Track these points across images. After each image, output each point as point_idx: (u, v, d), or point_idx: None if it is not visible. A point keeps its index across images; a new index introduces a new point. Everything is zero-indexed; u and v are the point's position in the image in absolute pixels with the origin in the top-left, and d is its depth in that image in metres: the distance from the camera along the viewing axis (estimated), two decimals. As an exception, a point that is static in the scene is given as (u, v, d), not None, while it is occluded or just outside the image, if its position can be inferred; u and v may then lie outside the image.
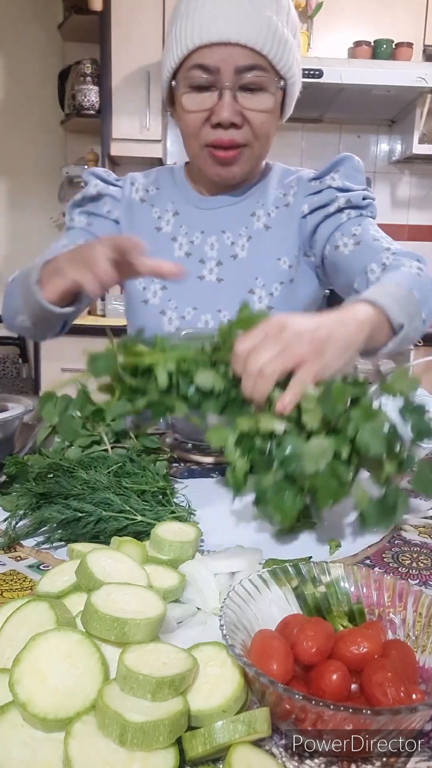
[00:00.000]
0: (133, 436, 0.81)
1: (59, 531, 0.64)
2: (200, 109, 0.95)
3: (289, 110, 1.05)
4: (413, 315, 0.82)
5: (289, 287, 1.07)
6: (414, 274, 0.89)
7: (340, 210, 1.04)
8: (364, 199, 1.04)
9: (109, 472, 0.68)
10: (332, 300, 1.05)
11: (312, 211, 1.07)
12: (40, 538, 0.65)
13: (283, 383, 0.64)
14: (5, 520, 0.67)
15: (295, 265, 1.08)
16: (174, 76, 0.97)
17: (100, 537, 0.63)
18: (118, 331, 0.83)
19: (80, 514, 0.63)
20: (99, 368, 0.76)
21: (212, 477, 0.86)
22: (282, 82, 0.96)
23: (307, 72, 2.53)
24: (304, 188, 1.09)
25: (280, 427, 0.63)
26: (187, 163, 1.16)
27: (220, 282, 1.09)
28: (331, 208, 1.04)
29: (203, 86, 0.94)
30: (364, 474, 0.65)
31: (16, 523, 0.66)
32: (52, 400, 0.81)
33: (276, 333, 0.66)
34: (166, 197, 1.13)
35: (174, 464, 0.90)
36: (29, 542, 0.65)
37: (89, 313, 2.91)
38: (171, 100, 1.03)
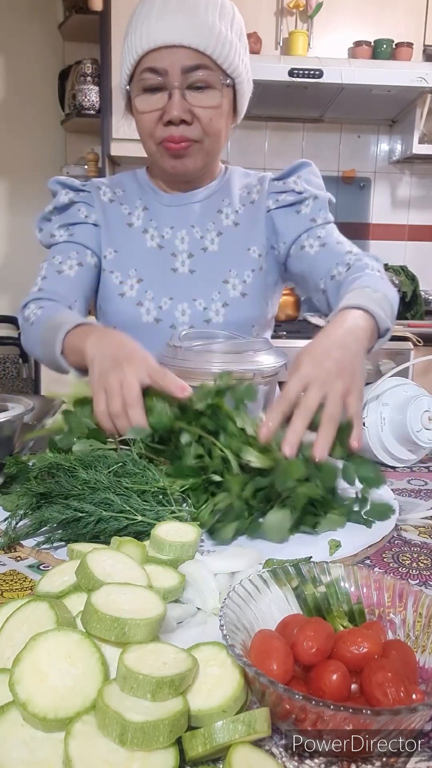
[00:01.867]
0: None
1: (59, 531, 0.64)
2: (153, 109, 1.02)
3: (243, 110, 1.12)
4: (392, 317, 0.94)
5: (260, 274, 1.15)
6: (378, 278, 1.00)
7: (307, 213, 1.13)
8: (325, 208, 1.13)
9: (109, 472, 0.68)
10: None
11: (278, 208, 1.14)
12: (41, 538, 0.65)
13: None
14: (5, 520, 0.67)
15: (263, 255, 1.15)
16: (129, 82, 1.04)
17: (100, 537, 0.63)
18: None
19: (80, 514, 0.63)
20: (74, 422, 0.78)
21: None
22: (228, 80, 1.03)
23: (307, 72, 2.53)
24: (268, 186, 1.16)
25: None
26: (147, 167, 1.22)
27: (193, 273, 1.13)
28: (300, 209, 1.13)
29: (154, 88, 1.00)
30: None
31: (17, 523, 0.66)
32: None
33: (312, 376, 0.74)
34: (133, 196, 1.18)
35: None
36: (29, 542, 0.65)
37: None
38: (130, 107, 1.10)
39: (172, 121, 1.01)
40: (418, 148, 2.90)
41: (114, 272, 1.14)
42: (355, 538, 0.67)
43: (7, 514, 0.67)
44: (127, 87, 1.05)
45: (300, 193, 1.13)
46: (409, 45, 2.73)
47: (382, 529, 0.70)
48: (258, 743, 0.39)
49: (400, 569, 0.64)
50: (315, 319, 2.68)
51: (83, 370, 0.88)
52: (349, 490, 0.74)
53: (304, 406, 0.72)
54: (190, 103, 1.01)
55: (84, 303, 1.15)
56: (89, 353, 0.85)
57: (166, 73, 0.99)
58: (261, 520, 0.68)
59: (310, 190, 1.14)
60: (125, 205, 1.17)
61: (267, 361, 0.90)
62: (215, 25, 0.99)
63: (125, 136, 2.66)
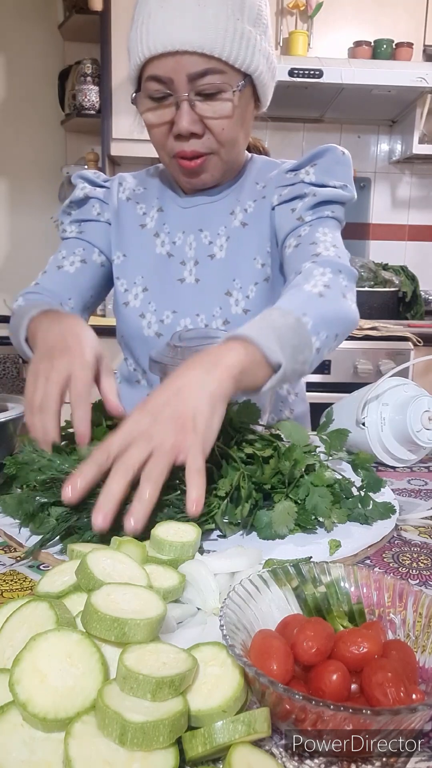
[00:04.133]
0: None
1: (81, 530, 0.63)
2: (161, 122, 0.95)
3: (267, 99, 1.02)
4: (298, 348, 0.76)
5: (265, 287, 1.06)
6: (314, 295, 0.83)
7: (297, 212, 1.01)
8: (327, 202, 1.01)
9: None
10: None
11: (280, 204, 1.05)
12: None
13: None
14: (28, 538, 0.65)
15: (268, 263, 1.06)
16: (137, 88, 0.97)
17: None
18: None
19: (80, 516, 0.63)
20: None
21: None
22: (242, 82, 0.93)
23: (307, 72, 2.54)
24: (278, 179, 1.07)
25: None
26: None
27: (198, 282, 1.09)
28: (297, 206, 1.01)
29: (161, 98, 0.93)
30: None
31: (48, 539, 0.63)
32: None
33: (141, 429, 0.62)
34: (151, 195, 1.14)
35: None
36: (54, 549, 0.64)
37: (91, 312, 2.92)
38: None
39: (182, 135, 0.93)
40: (418, 148, 2.90)
41: (120, 279, 1.12)
42: (355, 538, 0.67)
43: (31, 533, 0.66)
44: (133, 95, 0.97)
45: (309, 185, 1.02)
46: (409, 45, 2.73)
47: (382, 529, 0.70)
48: (258, 743, 0.39)
49: (400, 569, 0.64)
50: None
51: None
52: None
53: (121, 463, 0.60)
54: (200, 114, 0.92)
55: (80, 301, 1.11)
56: (37, 339, 0.83)
57: (171, 82, 0.90)
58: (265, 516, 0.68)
59: (321, 186, 1.01)
60: (141, 204, 1.13)
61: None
62: (221, 20, 0.87)
63: (125, 136, 2.66)
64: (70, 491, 0.60)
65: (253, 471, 0.71)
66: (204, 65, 0.88)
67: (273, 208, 1.06)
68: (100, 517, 0.58)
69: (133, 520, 0.58)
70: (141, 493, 0.59)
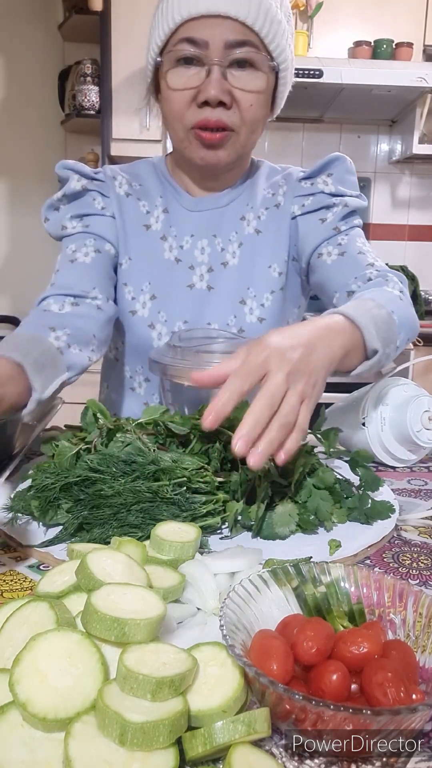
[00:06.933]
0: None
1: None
2: (187, 87, 0.89)
3: (281, 103, 1.01)
4: (388, 340, 0.80)
5: (280, 296, 1.05)
6: (396, 297, 0.88)
7: (332, 222, 1.02)
8: (354, 212, 1.03)
9: (131, 480, 0.66)
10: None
11: (303, 214, 1.04)
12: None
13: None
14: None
15: (284, 272, 1.05)
16: (160, 54, 0.92)
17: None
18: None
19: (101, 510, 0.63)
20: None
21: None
22: (274, 63, 0.92)
23: (307, 72, 2.53)
24: (294, 188, 1.06)
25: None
26: (168, 155, 1.10)
27: (210, 290, 1.04)
28: (326, 216, 1.02)
29: (190, 62, 0.89)
30: None
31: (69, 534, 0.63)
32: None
33: (271, 363, 0.61)
34: (153, 193, 1.07)
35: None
36: (55, 549, 0.64)
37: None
38: (156, 87, 0.98)
39: (209, 102, 0.88)
40: (418, 148, 2.91)
41: (127, 285, 1.04)
42: (355, 538, 0.67)
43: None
44: (158, 59, 0.92)
45: (330, 195, 1.02)
46: (409, 45, 2.73)
47: (382, 529, 0.70)
48: (258, 743, 0.39)
49: (400, 569, 0.64)
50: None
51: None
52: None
53: (270, 394, 0.59)
54: (231, 84, 0.88)
55: (104, 291, 1.01)
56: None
57: (207, 46, 0.86)
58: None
59: (341, 197, 1.02)
60: (144, 201, 1.06)
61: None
62: (266, 0, 0.86)
63: (125, 136, 2.67)
64: (211, 418, 0.59)
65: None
66: (243, 35, 0.87)
67: (293, 218, 1.05)
68: (255, 459, 0.58)
69: (284, 454, 0.60)
70: (270, 435, 0.59)
